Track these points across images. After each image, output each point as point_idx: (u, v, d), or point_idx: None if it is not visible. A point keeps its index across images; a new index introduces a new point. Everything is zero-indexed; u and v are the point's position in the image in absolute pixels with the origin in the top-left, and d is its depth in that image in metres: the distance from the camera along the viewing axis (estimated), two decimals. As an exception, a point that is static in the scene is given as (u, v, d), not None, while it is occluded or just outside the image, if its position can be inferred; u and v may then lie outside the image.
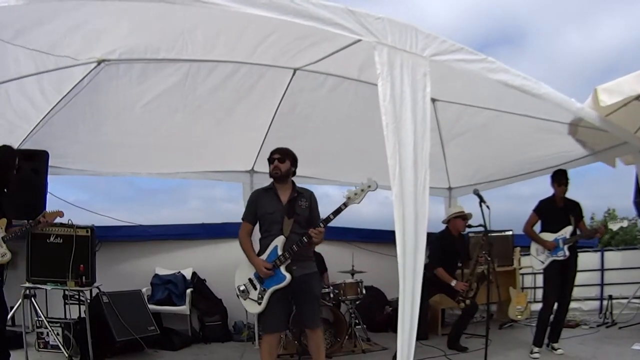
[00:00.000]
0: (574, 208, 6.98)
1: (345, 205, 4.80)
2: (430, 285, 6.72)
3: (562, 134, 6.77)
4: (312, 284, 5.04)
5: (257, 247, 5.04)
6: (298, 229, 4.92)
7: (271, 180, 5.12)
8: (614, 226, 7.06)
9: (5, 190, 5.43)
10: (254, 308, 4.91)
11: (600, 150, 7.17)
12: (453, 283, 7.17)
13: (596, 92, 5.55)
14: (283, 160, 5.03)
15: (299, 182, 5.26)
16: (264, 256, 4.87)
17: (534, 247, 7.05)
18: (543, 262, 6.89)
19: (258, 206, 5.06)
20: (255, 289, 4.88)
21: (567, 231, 6.79)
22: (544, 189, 7.06)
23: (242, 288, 4.94)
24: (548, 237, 6.88)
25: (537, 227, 7.07)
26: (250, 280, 4.91)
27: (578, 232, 6.88)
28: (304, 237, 4.80)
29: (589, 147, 7.23)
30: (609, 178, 52.49)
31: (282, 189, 5.06)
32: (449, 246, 7.53)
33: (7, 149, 5.44)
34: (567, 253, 6.72)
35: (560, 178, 6.90)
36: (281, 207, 4.96)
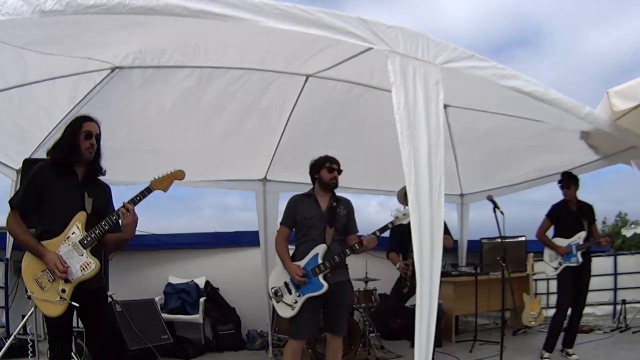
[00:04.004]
0: (587, 212, 6.96)
1: (392, 224, 4.92)
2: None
3: (574, 138, 6.75)
4: (345, 293, 5.11)
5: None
6: (337, 236, 5.01)
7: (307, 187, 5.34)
8: (627, 232, 7.01)
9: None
10: (286, 312, 4.92)
11: (612, 154, 7.14)
12: (397, 265, 6.97)
13: (609, 96, 5.54)
14: (341, 172, 5.18)
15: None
16: (303, 262, 4.92)
17: (547, 252, 7.03)
18: (556, 269, 6.86)
19: (297, 211, 5.11)
20: (290, 293, 4.90)
21: (580, 237, 6.77)
22: (558, 193, 7.04)
23: (276, 290, 4.97)
24: (561, 242, 6.87)
25: (551, 233, 7.06)
26: (285, 283, 4.94)
27: (591, 238, 6.85)
28: (348, 249, 4.89)
29: (602, 152, 7.20)
30: (623, 181, 52.30)
31: (323, 197, 5.16)
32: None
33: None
34: (581, 259, 6.69)
35: (565, 181, 6.89)
36: (320, 212, 5.04)
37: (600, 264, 9.96)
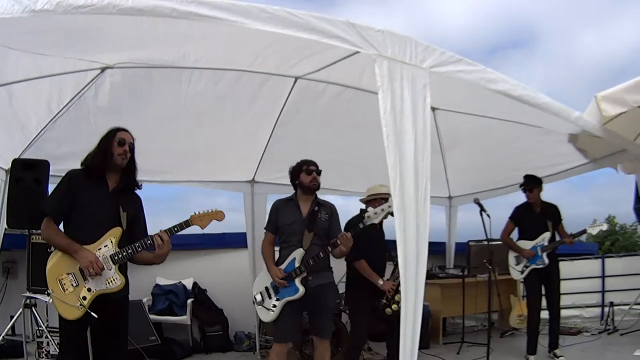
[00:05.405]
0: (552, 212, 7.00)
1: (364, 224, 4.87)
2: (354, 287, 5.74)
3: (562, 142, 6.78)
4: (327, 295, 5.09)
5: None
6: (318, 240, 4.99)
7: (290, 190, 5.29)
8: (593, 230, 7.03)
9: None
10: (266, 316, 4.96)
11: (600, 158, 7.18)
12: (380, 282, 5.48)
13: (597, 100, 5.56)
14: (320, 173, 5.14)
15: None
16: (282, 267, 4.94)
17: (512, 256, 7.08)
18: (522, 272, 6.91)
19: (278, 217, 5.14)
20: (270, 297, 4.95)
21: (544, 238, 6.82)
22: (547, 197, 7.07)
23: (257, 296, 5.02)
24: (526, 244, 6.91)
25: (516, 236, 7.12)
26: (266, 288, 4.99)
27: (557, 238, 6.89)
28: (321, 252, 4.86)
29: (590, 155, 7.23)
30: (614, 184, 52.57)
31: (305, 201, 5.16)
32: (369, 236, 5.40)
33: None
34: (547, 261, 6.73)
35: (527, 184, 6.95)
36: (301, 218, 5.05)
37: (588, 266, 10.07)
